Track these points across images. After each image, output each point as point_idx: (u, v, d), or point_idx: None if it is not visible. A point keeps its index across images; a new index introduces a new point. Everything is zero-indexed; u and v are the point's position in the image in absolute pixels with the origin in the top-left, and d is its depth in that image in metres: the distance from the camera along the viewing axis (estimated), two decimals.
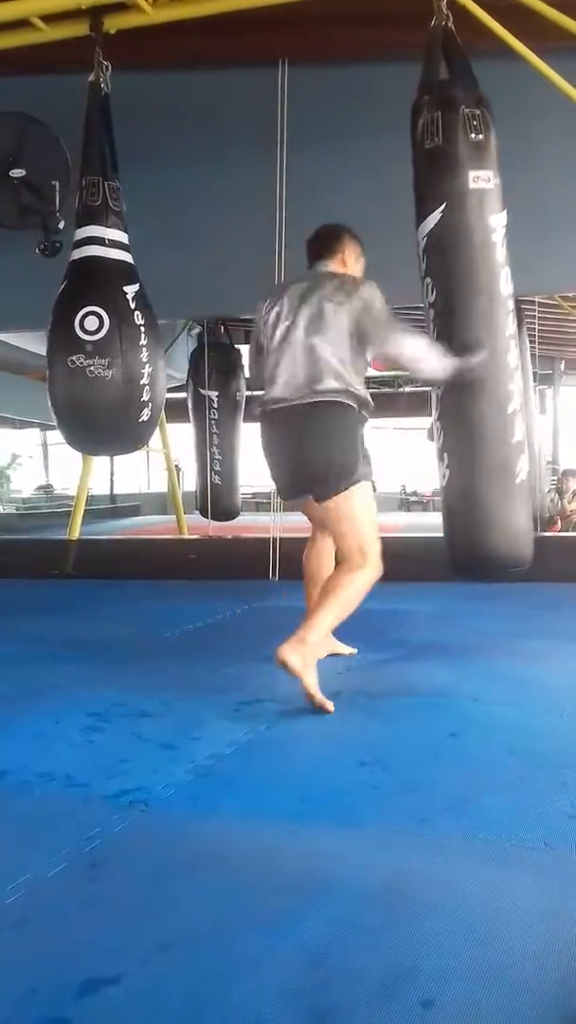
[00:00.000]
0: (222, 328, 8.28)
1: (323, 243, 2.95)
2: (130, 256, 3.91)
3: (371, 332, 2.70)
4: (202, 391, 7.90)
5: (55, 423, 3.97)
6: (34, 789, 1.95)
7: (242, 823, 1.74)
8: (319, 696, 2.48)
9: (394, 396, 15.69)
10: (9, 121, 4.55)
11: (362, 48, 4.83)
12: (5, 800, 1.90)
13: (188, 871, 1.52)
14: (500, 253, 2.98)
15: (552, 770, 1.97)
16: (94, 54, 3.90)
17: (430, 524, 11.18)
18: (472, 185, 2.95)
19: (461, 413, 3.01)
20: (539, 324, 9.34)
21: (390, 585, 4.96)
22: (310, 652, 2.51)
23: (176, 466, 9.22)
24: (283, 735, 2.31)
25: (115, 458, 14.47)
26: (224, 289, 5.25)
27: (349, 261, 2.93)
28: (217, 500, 8.00)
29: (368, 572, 2.70)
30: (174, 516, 8.23)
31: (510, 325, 3.01)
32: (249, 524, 8.16)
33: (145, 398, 3.81)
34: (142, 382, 3.77)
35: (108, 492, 18.97)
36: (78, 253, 3.87)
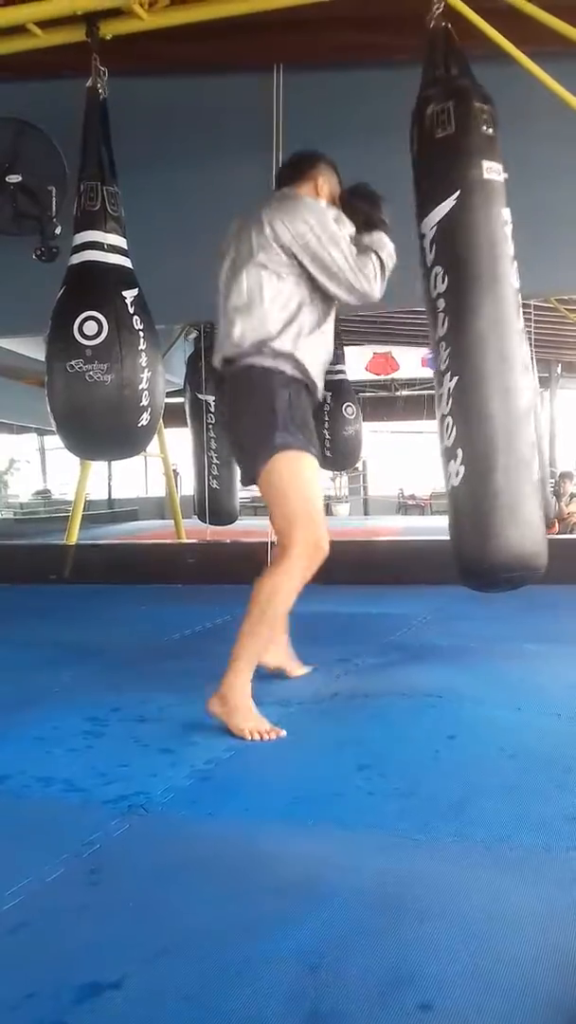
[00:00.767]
0: None
1: (293, 166, 2.65)
2: (129, 261, 3.91)
3: (317, 267, 2.36)
4: (199, 396, 7.90)
5: (54, 428, 3.97)
6: (33, 794, 1.95)
7: (241, 827, 1.74)
8: (260, 731, 2.25)
9: (391, 400, 15.72)
10: (5, 126, 4.57)
11: (357, 52, 4.84)
12: (4, 805, 1.90)
13: (187, 875, 1.52)
14: (510, 245, 2.91)
15: (551, 773, 1.97)
16: (91, 60, 3.91)
17: (428, 527, 11.20)
18: (486, 175, 2.90)
19: (475, 406, 2.83)
20: (535, 327, 9.36)
21: (387, 588, 4.98)
22: (234, 695, 2.29)
23: (174, 470, 9.21)
24: (281, 739, 2.31)
25: (113, 463, 14.48)
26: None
27: (323, 191, 2.61)
28: (215, 504, 7.99)
29: (289, 568, 2.34)
30: (172, 521, 8.22)
31: (520, 319, 2.92)
32: (247, 528, 8.16)
33: (144, 403, 3.82)
34: (141, 387, 3.77)
35: (106, 497, 18.97)
36: (77, 258, 3.88)
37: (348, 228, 2.44)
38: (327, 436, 9.16)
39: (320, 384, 2.59)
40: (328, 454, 9.26)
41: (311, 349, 2.47)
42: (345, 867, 1.54)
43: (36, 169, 4.57)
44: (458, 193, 2.89)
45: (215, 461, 8.08)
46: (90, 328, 3.70)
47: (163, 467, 8.23)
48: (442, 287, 2.90)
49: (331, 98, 5.07)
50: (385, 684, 2.86)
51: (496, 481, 2.78)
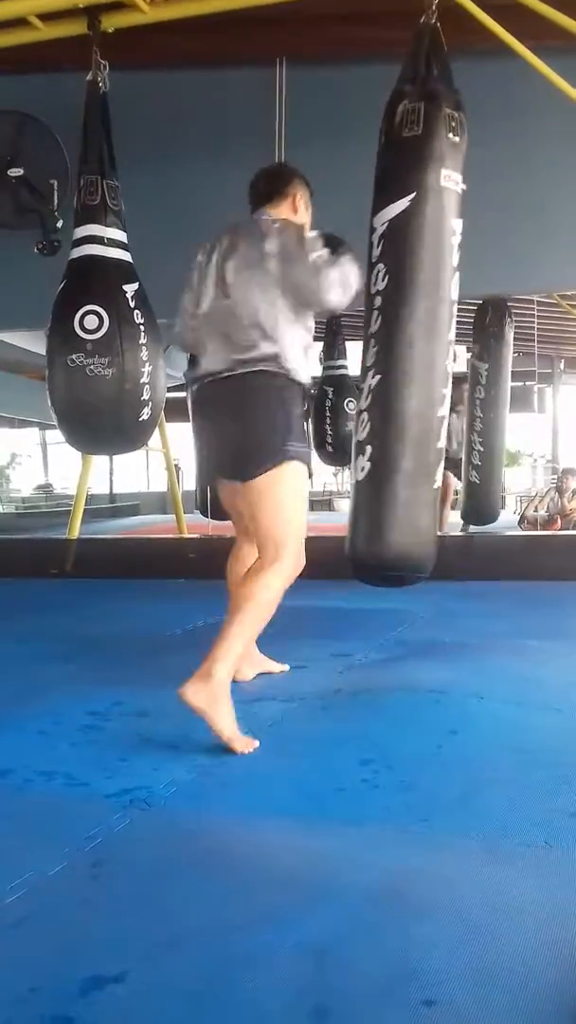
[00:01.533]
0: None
1: (269, 184, 2.68)
2: (129, 255, 3.91)
3: (297, 283, 2.37)
4: None
5: (55, 422, 3.97)
6: (35, 788, 1.95)
7: (243, 821, 1.74)
8: (235, 739, 2.16)
9: None
10: (7, 120, 4.56)
11: (359, 47, 4.83)
12: (7, 799, 1.90)
13: (189, 869, 1.52)
14: (456, 257, 2.93)
15: (552, 768, 1.97)
16: (92, 53, 3.90)
17: None
18: (443, 183, 2.92)
19: (393, 406, 2.86)
20: (538, 323, 9.35)
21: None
22: (219, 687, 2.19)
23: (176, 465, 9.20)
24: (284, 733, 2.31)
25: (115, 457, 14.49)
26: None
27: (299, 207, 2.66)
28: (216, 499, 7.98)
29: (281, 569, 2.36)
30: (174, 515, 8.22)
31: (451, 330, 2.95)
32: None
33: (145, 397, 3.82)
34: (142, 381, 3.78)
35: (108, 491, 18.99)
36: (77, 252, 3.88)
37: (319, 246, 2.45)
38: (329, 432, 9.15)
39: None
40: (330, 449, 9.25)
41: (308, 362, 2.52)
42: (348, 861, 1.54)
43: (38, 163, 4.56)
44: (413, 195, 2.90)
45: None
46: (91, 322, 3.70)
47: (165, 462, 8.23)
48: (381, 285, 2.93)
49: (333, 93, 5.06)
50: (387, 680, 2.86)
51: (396, 484, 2.84)
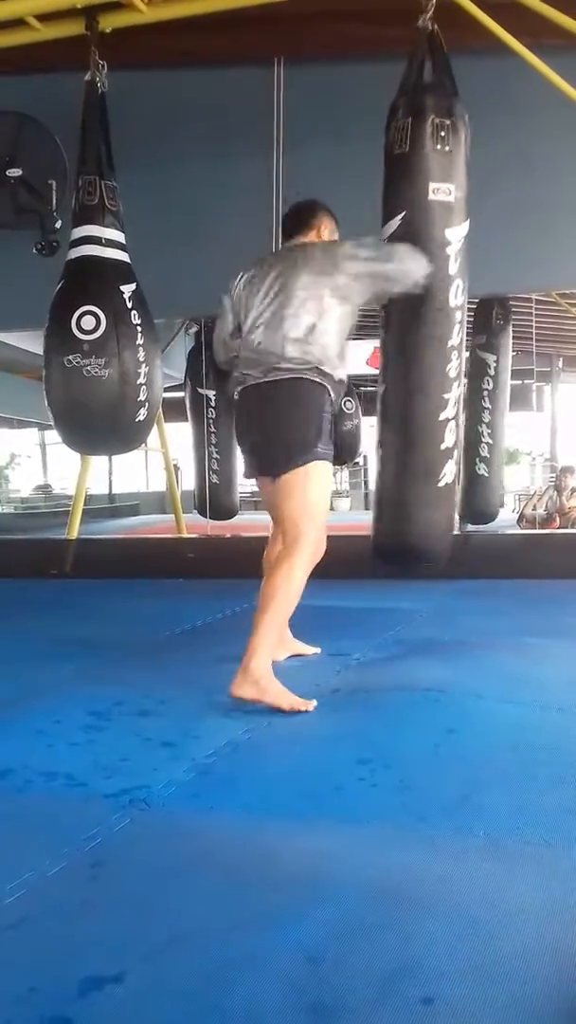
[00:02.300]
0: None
1: (297, 218, 2.96)
2: (127, 255, 3.91)
3: (368, 278, 2.69)
4: (200, 390, 7.90)
5: (52, 423, 3.97)
6: (35, 788, 1.95)
7: (242, 821, 1.74)
8: (296, 704, 2.47)
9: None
10: (5, 120, 4.56)
11: (358, 45, 4.82)
12: (6, 799, 1.90)
13: (188, 869, 1.52)
14: (453, 265, 3.01)
15: (551, 766, 1.97)
16: (90, 53, 3.90)
17: None
18: (431, 197, 2.98)
19: (397, 414, 3.14)
20: (537, 321, 9.36)
21: (387, 583, 4.98)
22: (261, 674, 2.49)
23: (174, 465, 9.20)
24: (282, 733, 2.31)
25: (113, 458, 14.49)
26: (221, 288, 5.24)
27: (324, 235, 2.92)
28: (215, 499, 8.00)
29: (301, 558, 2.62)
30: (172, 515, 8.22)
31: (454, 336, 3.06)
32: (247, 523, 8.16)
33: (142, 397, 3.82)
34: (138, 381, 3.77)
35: (107, 492, 18.98)
36: (75, 252, 3.87)
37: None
38: None
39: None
40: None
41: (341, 374, 2.75)
42: (346, 860, 1.54)
43: (36, 163, 4.55)
44: (403, 214, 3.03)
45: (215, 456, 8.08)
46: (88, 323, 3.70)
47: (163, 462, 8.24)
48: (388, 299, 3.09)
49: (331, 92, 5.06)
50: (386, 678, 2.86)
51: (401, 484, 3.17)
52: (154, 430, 4.67)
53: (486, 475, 7.43)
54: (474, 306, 7.50)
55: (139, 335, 3.77)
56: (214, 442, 8.05)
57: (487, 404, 7.36)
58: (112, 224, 3.86)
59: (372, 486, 18.52)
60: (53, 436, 17.73)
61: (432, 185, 2.97)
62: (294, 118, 4.87)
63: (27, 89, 4.87)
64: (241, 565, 5.82)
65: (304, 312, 2.64)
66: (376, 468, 3.25)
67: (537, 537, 7.49)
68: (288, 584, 2.59)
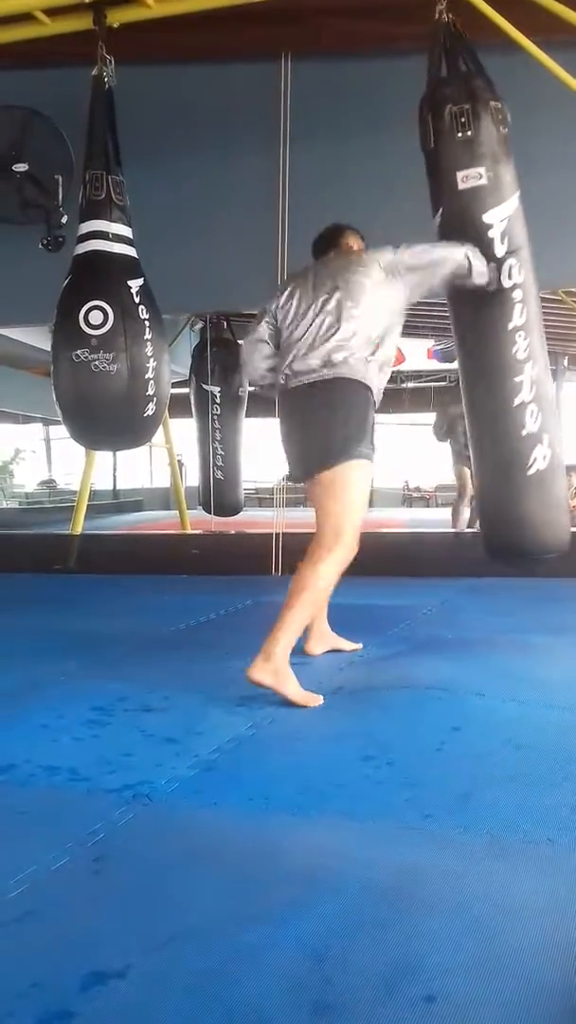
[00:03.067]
0: (225, 323, 8.27)
1: (327, 239, 3.03)
2: (134, 250, 3.90)
3: (408, 272, 2.74)
4: (205, 386, 7.90)
5: (60, 418, 3.97)
6: (39, 783, 1.96)
7: (245, 817, 1.74)
8: (305, 699, 2.53)
9: (397, 392, 15.69)
10: (12, 115, 4.55)
11: (364, 42, 4.81)
12: (10, 794, 1.90)
13: (191, 865, 1.52)
14: (500, 247, 2.97)
15: (555, 764, 1.97)
16: (97, 48, 3.89)
17: (432, 520, 11.19)
18: (462, 185, 2.98)
19: (472, 411, 3.13)
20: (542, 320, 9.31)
21: (392, 581, 4.98)
22: (280, 663, 2.54)
23: (179, 461, 9.20)
24: (286, 729, 2.31)
25: (118, 453, 14.49)
26: (227, 284, 5.24)
27: (353, 248, 2.99)
28: (220, 495, 8.00)
29: (336, 556, 2.66)
30: (177, 511, 8.23)
31: (515, 318, 2.99)
32: (251, 519, 8.16)
33: (150, 392, 3.81)
34: (147, 376, 3.77)
35: (111, 487, 18.99)
36: (82, 247, 3.87)
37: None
38: None
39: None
40: None
41: (382, 379, 2.80)
42: (349, 857, 1.54)
43: (43, 158, 4.55)
44: (441, 210, 3.08)
45: (220, 452, 8.08)
46: (96, 318, 3.69)
47: (168, 458, 8.24)
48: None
49: (338, 88, 5.05)
50: (390, 676, 2.86)
51: (485, 482, 3.16)
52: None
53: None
54: None
55: (147, 330, 3.77)
56: (219, 438, 8.05)
57: None
58: (119, 219, 3.86)
59: (376, 484, 18.52)
60: (58, 431, 17.77)
61: (459, 174, 2.98)
62: (301, 114, 4.86)
63: (34, 84, 4.87)
64: (245, 561, 5.84)
65: (351, 314, 2.68)
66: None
67: None
68: (319, 582, 2.63)
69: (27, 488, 21.20)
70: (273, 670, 2.53)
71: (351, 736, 2.23)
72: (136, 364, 3.71)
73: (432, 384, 15.10)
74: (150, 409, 3.86)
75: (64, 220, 4.47)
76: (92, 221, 3.84)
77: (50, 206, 4.52)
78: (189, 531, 8.00)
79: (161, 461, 17.01)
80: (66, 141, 4.54)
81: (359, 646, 3.25)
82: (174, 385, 4.75)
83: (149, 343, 3.76)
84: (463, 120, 2.97)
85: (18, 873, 1.47)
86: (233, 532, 7.60)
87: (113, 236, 3.83)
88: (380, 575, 5.08)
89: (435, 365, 13.22)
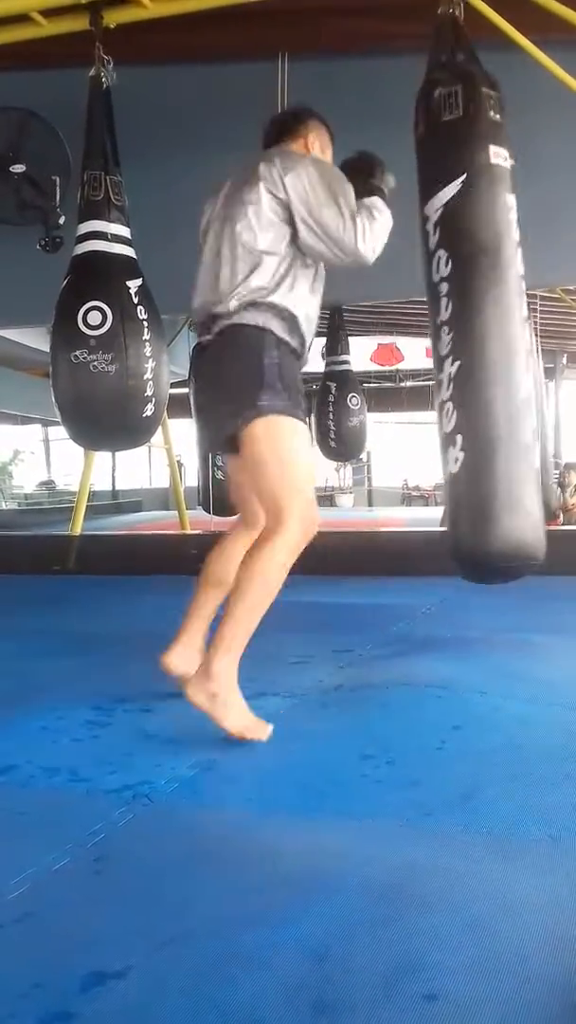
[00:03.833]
0: None
1: (279, 123, 2.56)
2: (133, 250, 3.91)
3: (311, 226, 2.24)
4: None
5: (59, 418, 3.97)
6: (38, 784, 1.96)
7: (245, 817, 1.74)
8: (245, 730, 2.12)
9: (395, 391, 15.70)
10: (9, 116, 4.55)
11: (362, 41, 4.82)
12: (10, 795, 1.90)
13: (191, 865, 1.52)
14: (516, 233, 2.89)
15: (556, 763, 1.97)
16: (94, 49, 3.89)
17: (432, 518, 11.19)
18: (493, 160, 2.88)
19: (478, 393, 2.78)
20: (541, 318, 9.34)
21: (391, 579, 4.98)
22: (221, 681, 2.10)
23: (178, 461, 9.20)
24: (285, 729, 2.31)
25: (117, 454, 14.49)
26: None
27: (314, 148, 2.52)
28: (219, 495, 7.99)
29: (285, 539, 2.15)
30: (176, 512, 8.23)
31: (524, 308, 2.89)
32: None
33: (149, 393, 3.82)
34: (145, 377, 3.77)
35: (110, 488, 18.98)
36: (80, 248, 3.87)
37: (346, 185, 2.33)
38: (332, 427, 9.16)
39: (308, 346, 2.44)
40: (333, 445, 9.26)
41: (302, 306, 2.33)
42: (349, 856, 1.54)
43: (40, 159, 4.55)
44: (464, 176, 2.86)
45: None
46: (94, 318, 3.70)
47: (167, 458, 8.24)
48: (445, 271, 2.88)
49: (336, 87, 5.05)
50: (389, 675, 2.86)
51: (497, 468, 2.73)
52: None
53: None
54: None
55: (146, 330, 3.77)
56: None
57: None
58: (118, 219, 3.86)
59: (375, 483, 18.55)
60: (57, 432, 17.75)
61: (493, 148, 2.86)
62: None
63: (31, 85, 4.87)
64: None
65: (242, 233, 2.27)
66: (453, 463, 2.80)
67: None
68: (268, 572, 2.13)
69: (26, 489, 21.19)
70: (210, 692, 2.08)
71: (350, 735, 2.23)
72: (135, 364, 3.72)
73: (431, 383, 15.11)
74: (149, 409, 3.86)
75: (62, 221, 4.48)
76: (90, 221, 3.85)
77: (48, 207, 4.53)
78: (188, 531, 7.99)
79: (160, 461, 17.01)
80: (63, 142, 4.54)
81: None
82: (174, 385, 4.75)
83: (148, 343, 3.76)
84: (493, 103, 2.89)
85: (18, 874, 1.47)
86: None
87: (111, 236, 3.84)
88: (379, 574, 5.08)
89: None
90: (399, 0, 3.87)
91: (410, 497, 18.65)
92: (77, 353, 3.68)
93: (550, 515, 9.19)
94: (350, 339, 9.70)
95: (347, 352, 9.36)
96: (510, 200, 2.89)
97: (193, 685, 2.12)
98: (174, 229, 5.19)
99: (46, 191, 4.54)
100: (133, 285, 3.81)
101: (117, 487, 19.28)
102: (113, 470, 19.18)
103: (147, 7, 3.93)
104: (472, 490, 2.78)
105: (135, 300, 3.77)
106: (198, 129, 5.23)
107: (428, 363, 14.05)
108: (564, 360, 14.39)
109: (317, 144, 2.53)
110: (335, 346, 9.33)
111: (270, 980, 1.16)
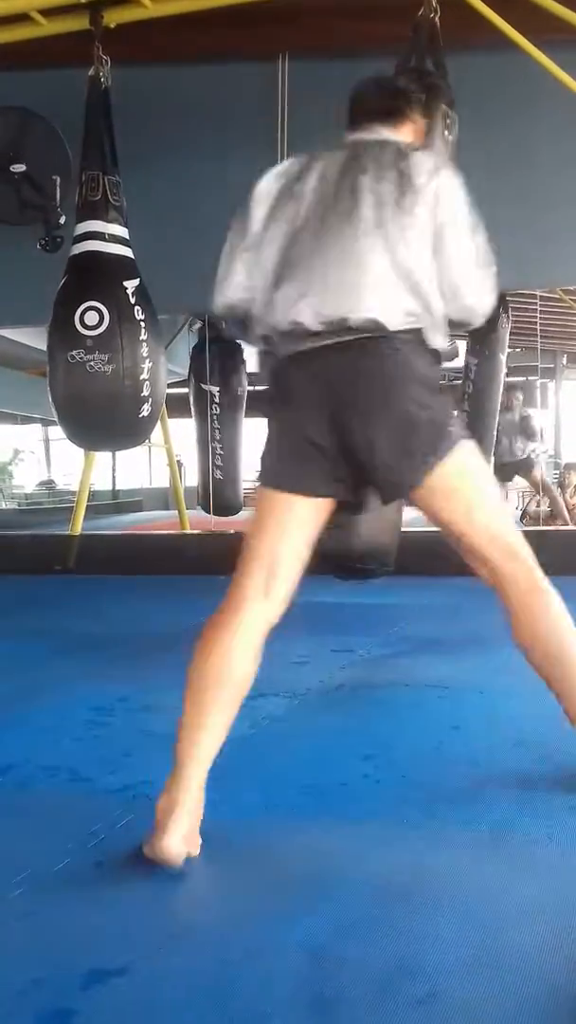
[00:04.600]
0: (223, 323, 8.24)
1: (382, 100, 2.00)
2: (130, 251, 3.91)
3: (450, 253, 1.68)
4: (204, 386, 7.89)
5: (56, 418, 3.97)
6: (39, 783, 1.96)
7: (245, 816, 1.75)
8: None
9: None
10: (9, 115, 4.55)
11: (362, 41, 4.81)
12: (11, 794, 1.90)
13: (191, 864, 1.52)
14: None
15: (555, 763, 1.97)
16: (94, 48, 3.90)
17: None
18: None
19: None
20: (541, 318, 9.33)
21: (392, 579, 4.97)
22: None
23: (178, 461, 9.20)
24: (286, 729, 2.31)
25: (117, 453, 14.47)
26: None
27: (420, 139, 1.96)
28: (219, 495, 7.99)
29: (540, 576, 1.90)
30: (176, 511, 8.22)
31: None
32: (251, 519, 8.13)
33: (145, 393, 3.82)
34: (142, 377, 3.77)
35: (110, 487, 18.96)
36: (78, 248, 3.87)
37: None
38: None
39: None
40: None
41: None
42: (349, 856, 1.54)
43: (40, 159, 4.55)
44: None
45: (219, 452, 8.07)
46: (91, 318, 3.70)
47: (167, 458, 8.23)
48: None
49: (336, 88, 5.03)
50: (390, 675, 2.86)
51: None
52: (157, 426, 4.67)
53: None
54: None
55: (143, 330, 3.77)
56: (218, 438, 8.03)
57: (465, 407, 7.23)
58: (115, 219, 3.86)
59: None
60: (56, 432, 17.72)
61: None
62: (298, 114, 4.86)
63: (31, 85, 4.87)
64: None
65: (419, 240, 1.69)
66: None
67: (540, 534, 7.48)
68: (562, 613, 1.90)
69: (26, 489, 21.18)
70: None
71: (351, 735, 2.23)
72: (132, 365, 3.72)
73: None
74: (146, 410, 3.86)
75: (62, 221, 4.48)
76: (88, 222, 3.85)
77: (48, 207, 4.53)
78: (188, 531, 7.98)
79: (160, 461, 17.00)
80: (63, 142, 4.54)
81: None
82: (173, 385, 4.76)
83: (145, 344, 3.76)
84: (449, 121, 2.95)
85: (20, 873, 1.47)
86: (233, 532, 7.59)
87: (109, 237, 3.84)
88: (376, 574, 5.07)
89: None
90: (399, 1, 3.87)
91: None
92: (74, 353, 3.68)
93: (551, 515, 9.19)
94: None
95: None
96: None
97: None
98: (174, 229, 5.21)
99: (46, 190, 4.54)
100: (130, 285, 3.81)
101: (117, 487, 19.27)
102: (113, 470, 19.16)
103: (147, 7, 3.93)
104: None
105: (132, 300, 3.78)
106: (197, 129, 5.23)
107: None
108: (564, 360, 14.36)
109: (420, 136, 1.99)
110: None
111: (270, 979, 1.16)
